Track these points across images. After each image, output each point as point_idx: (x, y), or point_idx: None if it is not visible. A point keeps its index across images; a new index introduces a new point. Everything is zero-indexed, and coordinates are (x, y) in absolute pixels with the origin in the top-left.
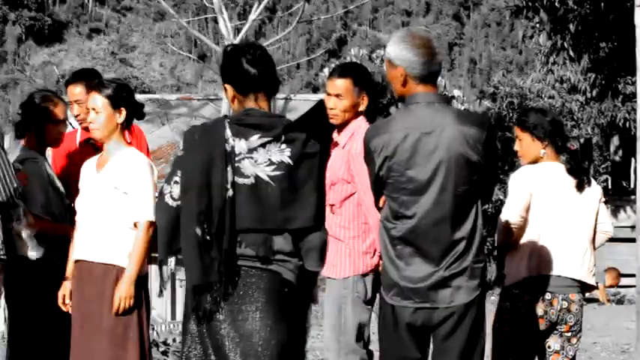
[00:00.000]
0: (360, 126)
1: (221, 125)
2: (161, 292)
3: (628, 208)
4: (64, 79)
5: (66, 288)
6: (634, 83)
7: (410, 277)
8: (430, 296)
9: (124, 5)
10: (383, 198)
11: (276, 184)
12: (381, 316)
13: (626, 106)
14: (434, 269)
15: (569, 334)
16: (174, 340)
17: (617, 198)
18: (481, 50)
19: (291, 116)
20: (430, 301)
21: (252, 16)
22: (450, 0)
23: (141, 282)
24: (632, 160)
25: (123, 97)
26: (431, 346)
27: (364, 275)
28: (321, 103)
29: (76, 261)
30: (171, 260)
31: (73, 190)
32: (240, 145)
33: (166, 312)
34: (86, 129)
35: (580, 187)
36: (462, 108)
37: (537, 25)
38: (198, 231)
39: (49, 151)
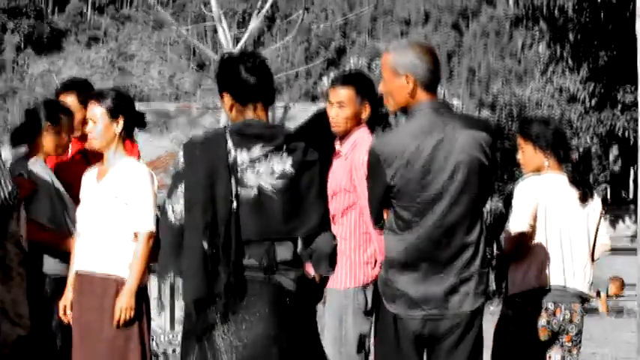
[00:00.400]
0: (362, 136)
1: (222, 137)
2: (162, 308)
3: (627, 218)
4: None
5: (67, 299)
6: (633, 92)
7: (421, 285)
8: (441, 303)
9: (122, 14)
10: (386, 211)
11: (280, 194)
12: (380, 328)
13: (625, 116)
14: (445, 276)
15: (570, 344)
16: (173, 351)
17: (616, 207)
18: (480, 60)
19: (290, 125)
20: (441, 308)
21: (251, 25)
22: (448, 9)
23: (141, 293)
24: (632, 169)
25: (121, 106)
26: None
27: (365, 286)
28: (321, 112)
29: (77, 272)
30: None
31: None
32: (242, 156)
33: (166, 322)
34: (78, 139)
35: (583, 200)
36: None
37: (536, 35)
38: (205, 244)
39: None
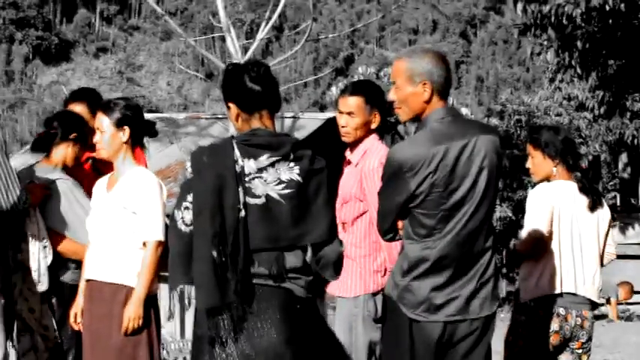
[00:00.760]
0: (372, 144)
1: (229, 146)
2: (171, 315)
3: (637, 225)
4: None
5: (77, 307)
6: None
7: (444, 290)
8: (463, 308)
9: (131, 24)
10: (400, 221)
11: (287, 202)
12: (392, 335)
13: (634, 124)
14: (467, 281)
15: (581, 350)
16: (184, 359)
17: (625, 215)
18: (488, 68)
19: (299, 134)
20: (463, 312)
21: (259, 35)
22: (456, 18)
23: (150, 301)
24: None
25: (127, 115)
26: None
27: (375, 294)
28: (330, 121)
29: (87, 280)
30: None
31: None
32: (249, 166)
33: (176, 330)
34: (88, 148)
35: (593, 207)
36: None
37: (545, 43)
38: (214, 253)
39: None
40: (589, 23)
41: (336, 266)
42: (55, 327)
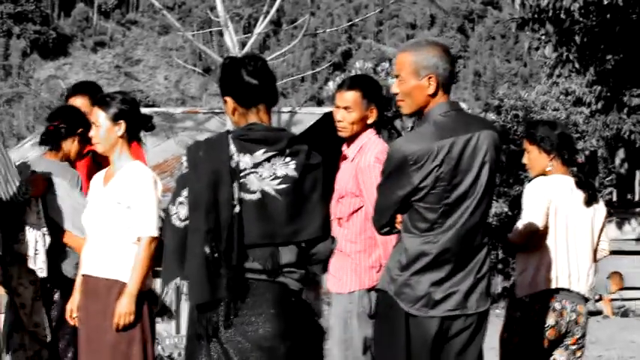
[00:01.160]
0: (369, 139)
1: (225, 141)
2: (162, 315)
3: (633, 221)
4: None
5: (74, 302)
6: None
7: (443, 285)
8: (462, 303)
9: (128, 19)
10: (399, 217)
11: (283, 198)
12: (387, 331)
13: (631, 119)
14: (465, 276)
15: (575, 346)
16: (179, 355)
17: (622, 211)
18: (486, 63)
19: (296, 129)
20: (461, 307)
21: (257, 30)
22: (454, 12)
23: (145, 297)
24: (638, 172)
25: (122, 110)
26: None
27: (370, 290)
28: (327, 116)
29: (83, 275)
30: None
31: None
32: (245, 161)
33: (171, 326)
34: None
35: (588, 202)
36: None
37: (542, 37)
38: (207, 249)
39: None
40: (587, 17)
41: (326, 263)
42: (47, 324)
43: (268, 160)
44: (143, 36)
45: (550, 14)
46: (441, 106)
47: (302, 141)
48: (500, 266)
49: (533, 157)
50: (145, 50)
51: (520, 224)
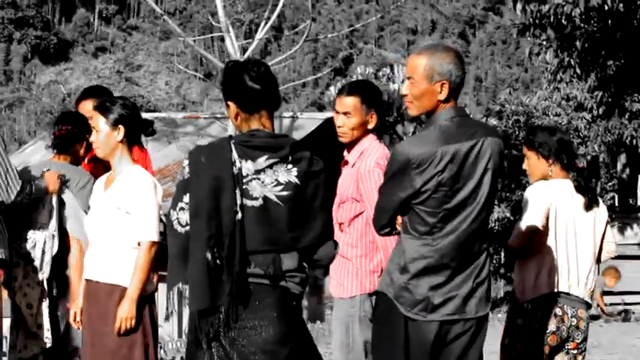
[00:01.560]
0: (370, 144)
1: (227, 146)
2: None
3: (635, 226)
4: (70, 97)
5: (77, 306)
6: None
7: (442, 289)
8: (461, 307)
9: (129, 24)
10: (399, 218)
11: (285, 205)
12: (385, 335)
13: (633, 124)
14: (464, 281)
15: (576, 351)
16: (181, 359)
17: (624, 216)
18: (487, 68)
19: (298, 134)
20: (460, 312)
21: (258, 35)
22: (455, 18)
23: (147, 301)
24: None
25: (122, 115)
26: None
27: (371, 294)
28: (328, 121)
29: (85, 279)
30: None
31: None
32: (247, 167)
33: (174, 330)
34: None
35: (588, 207)
36: None
37: (544, 43)
38: (209, 255)
39: None
40: (588, 23)
41: (327, 267)
42: (49, 326)
43: (270, 166)
44: (144, 41)
45: (551, 20)
46: (448, 112)
47: (304, 147)
48: (502, 271)
49: (533, 162)
50: (146, 56)
51: (519, 226)
